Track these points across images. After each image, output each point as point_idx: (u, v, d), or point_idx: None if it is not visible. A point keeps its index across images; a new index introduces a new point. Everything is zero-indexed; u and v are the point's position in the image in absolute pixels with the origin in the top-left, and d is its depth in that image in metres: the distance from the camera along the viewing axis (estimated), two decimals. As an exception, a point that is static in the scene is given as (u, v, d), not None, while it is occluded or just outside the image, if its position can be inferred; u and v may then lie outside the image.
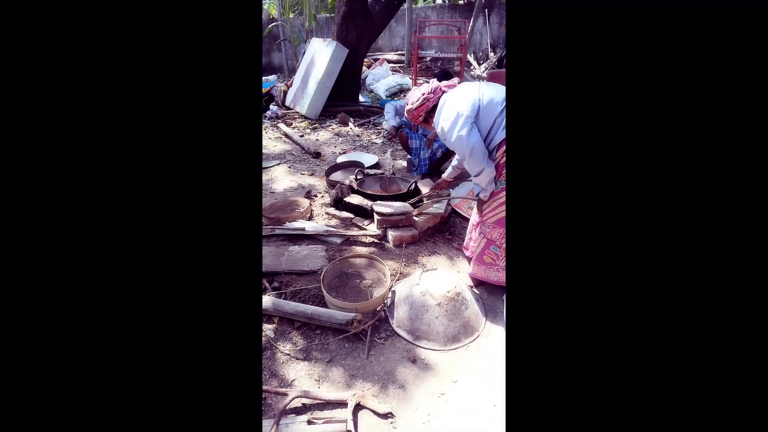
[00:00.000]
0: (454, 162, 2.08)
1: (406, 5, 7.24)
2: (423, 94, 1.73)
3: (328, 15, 7.96)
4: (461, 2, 8.63)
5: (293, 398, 1.30)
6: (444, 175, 2.20)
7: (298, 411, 1.31)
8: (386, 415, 1.30)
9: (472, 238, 1.97)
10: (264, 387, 1.37)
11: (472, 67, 7.64)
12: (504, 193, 1.62)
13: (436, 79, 3.02)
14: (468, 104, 1.58)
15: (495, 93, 1.61)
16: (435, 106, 1.73)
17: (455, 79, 1.78)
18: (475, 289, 1.88)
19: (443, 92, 1.73)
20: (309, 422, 1.24)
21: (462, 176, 2.29)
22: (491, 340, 1.63)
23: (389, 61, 7.61)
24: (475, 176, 1.63)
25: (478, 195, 1.68)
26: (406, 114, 1.83)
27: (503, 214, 1.63)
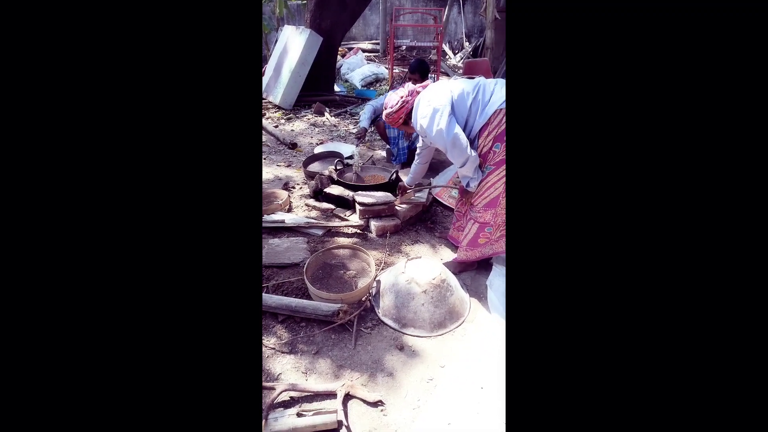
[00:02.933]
0: (415, 167, 2.11)
1: (379, -7, 7.14)
2: (401, 97, 1.76)
3: (299, 2, 7.73)
4: (435, -9, 8.58)
5: (281, 392, 1.28)
6: (406, 181, 2.23)
7: (287, 404, 1.29)
8: (376, 404, 1.30)
9: (459, 227, 1.98)
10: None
11: (447, 57, 7.65)
12: (490, 177, 1.65)
13: (409, 71, 3.00)
14: (442, 98, 1.61)
15: (463, 85, 1.66)
16: (413, 109, 1.77)
17: (428, 81, 1.83)
18: (458, 277, 1.90)
19: (418, 93, 1.77)
20: (299, 415, 1.22)
21: (422, 181, 2.36)
22: (477, 325, 1.65)
23: (364, 50, 7.50)
24: (460, 167, 1.65)
25: (468, 185, 1.70)
26: (384, 118, 1.83)
27: (493, 195, 1.68)
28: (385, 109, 1.83)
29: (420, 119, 1.68)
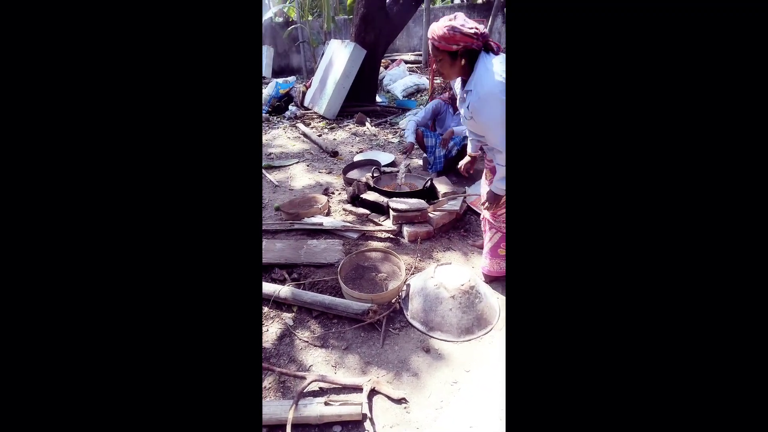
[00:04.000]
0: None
1: (423, 5, 7.26)
2: (475, 29, 1.34)
3: (346, 17, 8.07)
4: (479, 2, 8.59)
5: (311, 381, 1.37)
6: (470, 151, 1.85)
7: (316, 394, 1.37)
8: (400, 401, 1.35)
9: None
10: (283, 370, 1.44)
11: (489, 67, 7.60)
12: None
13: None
14: None
15: None
16: (472, 56, 1.38)
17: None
18: (490, 285, 1.91)
19: (490, 50, 1.39)
20: (326, 404, 1.30)
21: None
22: (505, 333, 1.65)
23: (406, 62, 7.65)
24: (503, 165, 1.48)
25: (499, 189, 1.59)
26: (438, 31, 1.35)
27: None
28: (451, 21, 1.34)
29: (486, 95, 1.33)
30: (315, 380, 1.38)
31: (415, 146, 3.17)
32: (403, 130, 4.23)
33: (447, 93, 3.10)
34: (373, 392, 1.37)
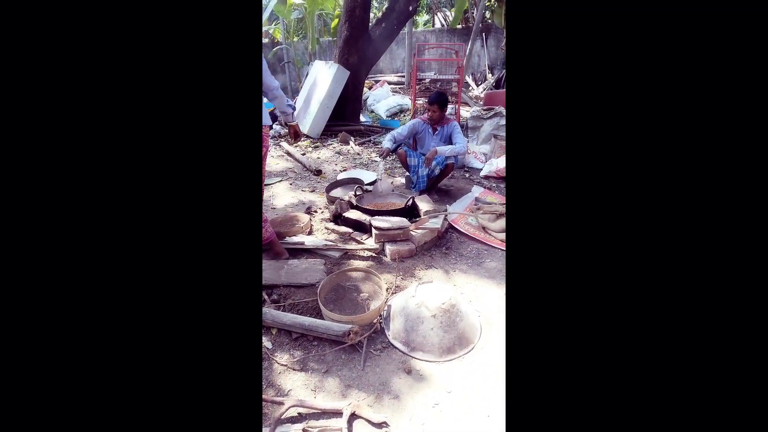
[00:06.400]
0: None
1: (406, 29, 7.50)
2: None
3: (330, 39, 8.25)
4: (459, 26, 8.92)
5: (289, 407, 1.33)
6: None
7: (294, 420, 1.33)
8: (381, 425, 1.32)
9: None
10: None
11: (470, 88, 7.84)
12: None
13: (428, 102, 3.14)
14: None
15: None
16: None
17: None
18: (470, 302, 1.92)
19: None
20: (304, 431, 1.26)
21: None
22: (486, 352, 1.65)
23: (390, 83, 7.82)
24: None
25: None
26: None
27: None
28: None
29: None
30: (293, 405, 1.34)
31: (396, 162, 3.21)
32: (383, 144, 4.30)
33: (427, 114, 3.18)
34: (354, 416, 1.34)
